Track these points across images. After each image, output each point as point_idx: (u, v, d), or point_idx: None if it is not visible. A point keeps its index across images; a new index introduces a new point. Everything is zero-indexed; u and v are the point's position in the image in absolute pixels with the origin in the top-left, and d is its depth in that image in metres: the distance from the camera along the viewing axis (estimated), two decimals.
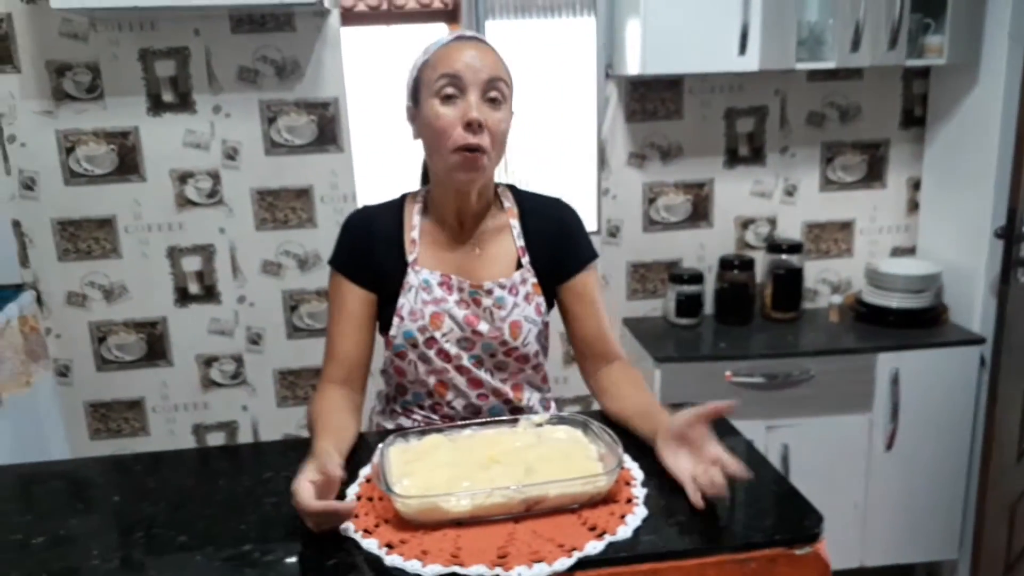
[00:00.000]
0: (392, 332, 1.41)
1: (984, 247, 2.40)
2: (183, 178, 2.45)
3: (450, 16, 2.62)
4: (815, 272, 2.76)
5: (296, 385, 2.64)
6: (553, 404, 1.56)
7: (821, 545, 1.02)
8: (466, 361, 1.41)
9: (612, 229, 2.66)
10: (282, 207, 2.50)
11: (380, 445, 1.15)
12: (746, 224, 2.71)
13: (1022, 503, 2.44)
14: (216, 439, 2.65)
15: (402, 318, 1.39)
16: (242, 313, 2.57)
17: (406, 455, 1.16)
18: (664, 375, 2.35)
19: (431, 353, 1.40)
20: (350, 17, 2.55)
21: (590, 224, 2.67)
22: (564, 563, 0.96)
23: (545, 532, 1.02)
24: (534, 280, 1.43)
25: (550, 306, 1.47)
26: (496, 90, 1.32)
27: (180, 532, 1.08)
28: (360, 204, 2.51)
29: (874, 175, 2.71)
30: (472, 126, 1.30)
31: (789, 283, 2.59)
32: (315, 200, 2.51)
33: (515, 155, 2.63)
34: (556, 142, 2.67)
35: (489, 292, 1.40)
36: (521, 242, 1.44)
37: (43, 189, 2.41)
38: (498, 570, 0.95)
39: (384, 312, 1.43)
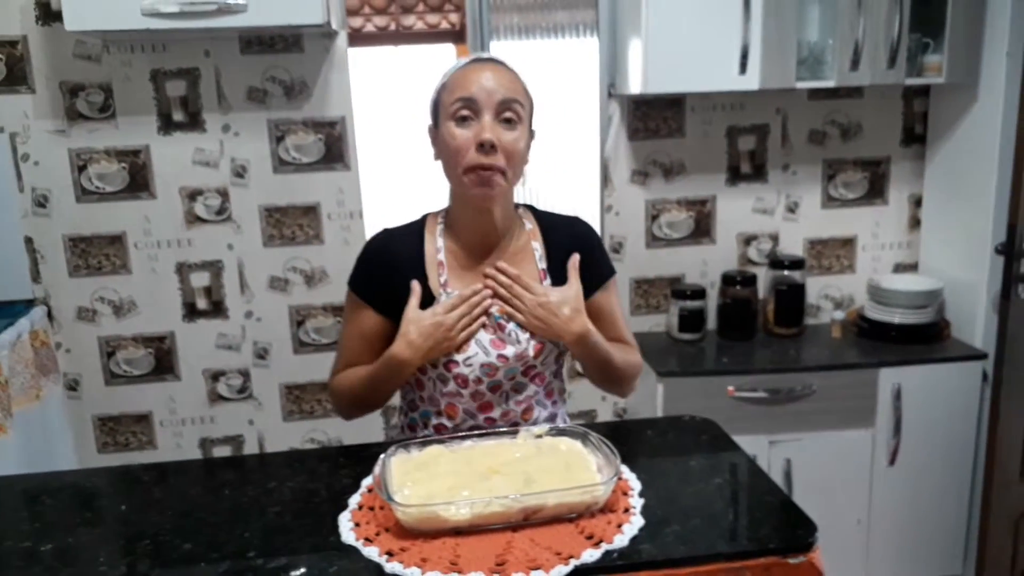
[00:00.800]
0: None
1: (985, 263, 2.41)
2: (192, 195, 2.49)
3: (457, 37, 2.66)
4: (817, 288, 2.77)
5: (302, 399, 2.66)
6: (562, 418, 1.56)
7: (815, 554, 1.04)
8: (484, 388, 1.42)
9: (615, 245, 2.69)
10: (289, 224, 2.54)
11: (382, 455, 1.18)
12: (748, 240, 2.73)
13: None
14: (222, 453, 2.67)
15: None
16: (249, 328, 2.60)
17: (407, 465, 1.18)
18: (667, 390, 2.37)
19: (449, 375, 1.41)
20: (359, 38, 2.59)
21: None
22: (561, 571, 0.98)
23: (543, 541, 1.04)
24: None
25: None
26: (511, 111, 1.35)
27: (185, 541, 1.10)
28: (367, 221, 2.55)
29: (875, 192, 2.73)
30: (484, 147, 1.32)
31: (791, 299, 2.61)
32: (322, 217, 2.55)
33: (532, 173, 2.66)
34: (560, 160, 2.70)
35: (512, 317, 1.42)
36: (543, 264, 1.46)
37: (55, 206, 2.45)
38: None
39: None
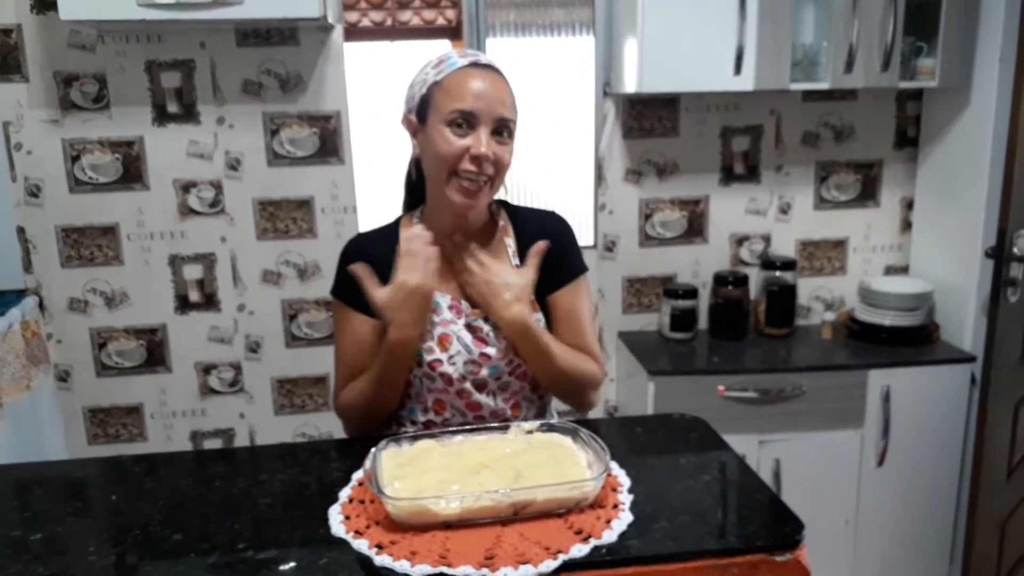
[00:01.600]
0: None
1: (975, 267, 2.43)
2: (186, 187, 2.49)
3: (453, 33, 2.66)
4: (809, 289, 2.79)
5: (294, 393, 2.66)
6: (551, 412, 1.57)
7: (802, 552, 1.05)
8: (468, 385, 1.42)
9: (608, 244, 2.69)
10: (283, 217, 2.54)
11: (373, 449, 1.18)
12: (741, 241, 2.74)
13: (1012, 520, 2.45)
14: (213, 446, 2.66)
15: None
16: (241, 321, 2.60)
17: (398, 459, 1.19)
18: (657, 388, 2.37)
19: (434, 374, 1.42)
20: (355, 32, 2.59)
21: (587, 239, 2.71)
22: (549, 565, 0.98)
23: (532, 535, 1.04)
24: (531, 298, 1.44)
25: (548, 323, 1.49)
26: (506, 127, 1.36)
27: (175, 531, 1.10)
28: (360, 215, 2.55)
29: (868, 194, 2.75)
30: (479, 160, 1.33)
31: (783, 300, 2.62)
32: (316, 211, 2.54)
33: (513, 171, 2.66)
34: (554, 158, 2.71)
35: (487, 317, 1.42)
36: (516, 261, 1.47)
37: (48, 196, 2.44)
38: (485, 571, 0.97)
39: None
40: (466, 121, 1.34)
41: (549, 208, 1.57)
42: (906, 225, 2.78)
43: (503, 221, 1.51)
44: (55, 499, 1.24)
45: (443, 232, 1.44)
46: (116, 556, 1.06)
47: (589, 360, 1.48)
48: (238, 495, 1.21)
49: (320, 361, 2.62)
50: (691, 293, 2.62)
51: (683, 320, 2.62)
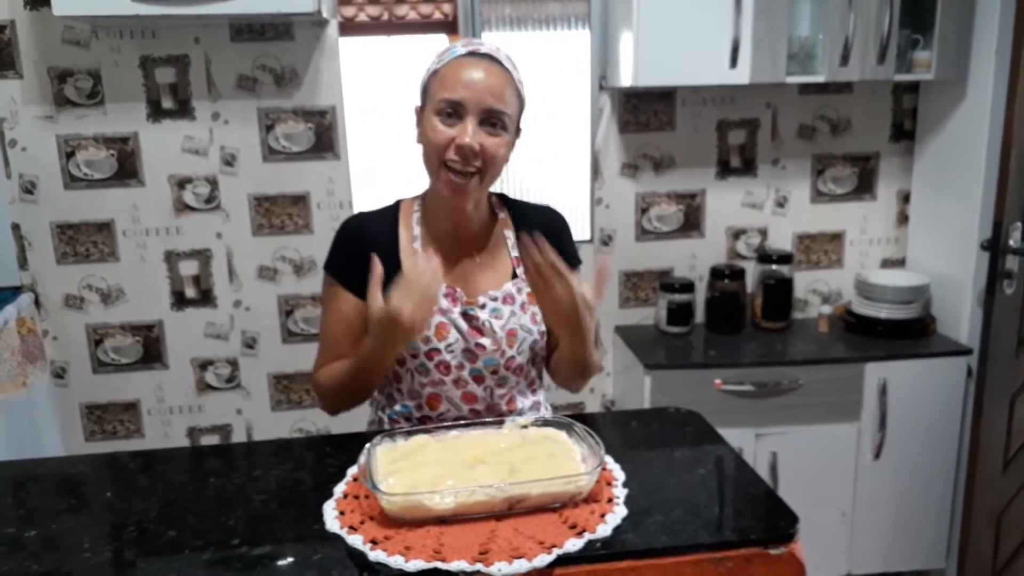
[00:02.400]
0: None
1: (971, 259, 2.43)
2: (181, 183, 2.48)
3: (449, 27, 2.65)
4: (805, 282, 2.79)
5: (290, 389, 2.66)
6: (544, 407, 1.57)
7: (796, 545, 1.05)
8: (466, 374, 1.42)
9: (605, 238, 2.69)
10: (279, 213, 2.54)
11: (367, 445, 1.18)
12: (737, 234, 2.74)
13: (1008, 512, 2.46)
14: (210, 442, 2.67)
15: None
16: (238, 317, 2.59)
17: (392, 454, 1.19)
18: (654, 382, 2.38)
19: (430, 364, 1.41)
20: (351, 27, 2.58)
21: (583, 233, 2.71)
22: (544, 559, 0.98)
23: (526, 530, 1.04)
24: (528, 290, 1.44)
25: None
26: (495, 119, 1.34)
27: (170, 528, 1.10)
28: (356, 211, 2.54)
29: (864, 187, 2.75)
30: (463, 151, 1.32)
31: (779, 293, 2.62)
32: (311, 207, 2.54)
33: (512, 165, 2.66)
34: (551, 152, 2.70)
35: (483, 306, 1.42)
36: (516, 252, 1.47)
37: (43, 193, 2.44)
38: (479, 566, 0.97)
39: None
40: (454, 111, 1.33)
41: (545, 203, 1.57)
42: (902, 218, 2.78)
43: (503, 213, 1.51)
44: (50, 496, 1.23)
45: (441, 221, 1.44)
46: (111, 553, 1.06)
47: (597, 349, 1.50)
48: (233, 491, 1.21)
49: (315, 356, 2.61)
50: (688, 287, 2.62)
51: (680, 314, 2.62)
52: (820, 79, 2.37)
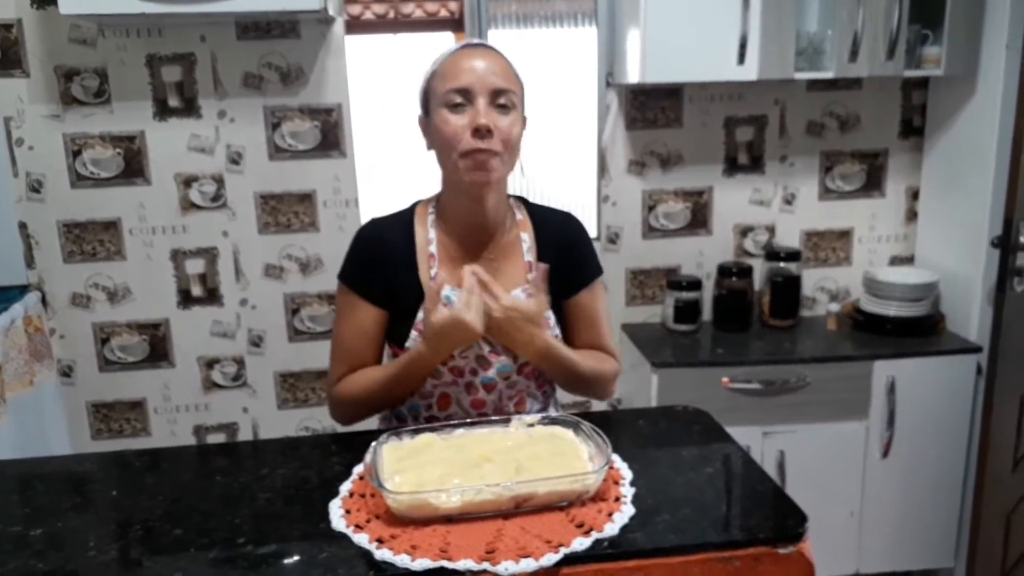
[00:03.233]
0: (408, 344, 1.41)
1: (981, 256, 2.41)
2: (188, 182, 2.48)
3: (455, 25, 2.64)
4: (813, 280, 2.77)
5: (296, 388, 2.66)
6: (553, 408, 1.55)
7: (805, 545, 1.04)
8: (477, 381, 1.42)
9: (612, 236, 2.68)
10: (285, 211, 2.53)
11: (373, 443, 1.17)
12: (745, 232, 2.73)
13: (1018, 511, 2.44)
14: (217, 441, 2.67)
15: (420, 332, 1.39)
16: (244, 316, 2.59)
17: (398, 453, 1.18)
18: (661, 380, 2.37)
19: (443, 368, 1.40)
20: (357, 25, 2.58)
21: (590, 231, 2.69)
22: (551, 558, 0.98)
23: (533, 528, 1.04)
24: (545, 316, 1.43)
25: (557, 318, 1.48)
26: (504, 97, 1.34)
27: (176, 526, 1.10)
28: (362, 209, 2.55)
29: (873, 184, 2.73)
30: (480, 131, 1.31)
31: (787, 291, 2.61)
32: (318, 205, 2.54)
33: (529, 163, 2.66)
34: (557, 149, 2.69)
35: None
36: (530, 257, 1.45)
37: (50, 191, 2.44)
38: (486, 565, 0.97)
39: (397, 326, 1.43)
40: (463, 97, 1.33)
41: (565, 209, 1.56)
42: (911, 215, 2.76)
43: (521, 215, 1.49)
44: (55, 494, 1.23)
45: (457, 223, 1.44)
46: (116, 552, 1.06)
47: (608, 359, 1.51)
48: (239, 490, 1.21)
49: (323, 355, 2.58)
50: (695, 285, 2.61)
51: (687, 312, 2.60)
52: (828, 75, 2.35)
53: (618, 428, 1.38)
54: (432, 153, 1.42)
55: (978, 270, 2.43)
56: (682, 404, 1.47)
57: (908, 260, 2.79)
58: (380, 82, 2.66)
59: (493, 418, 1.32)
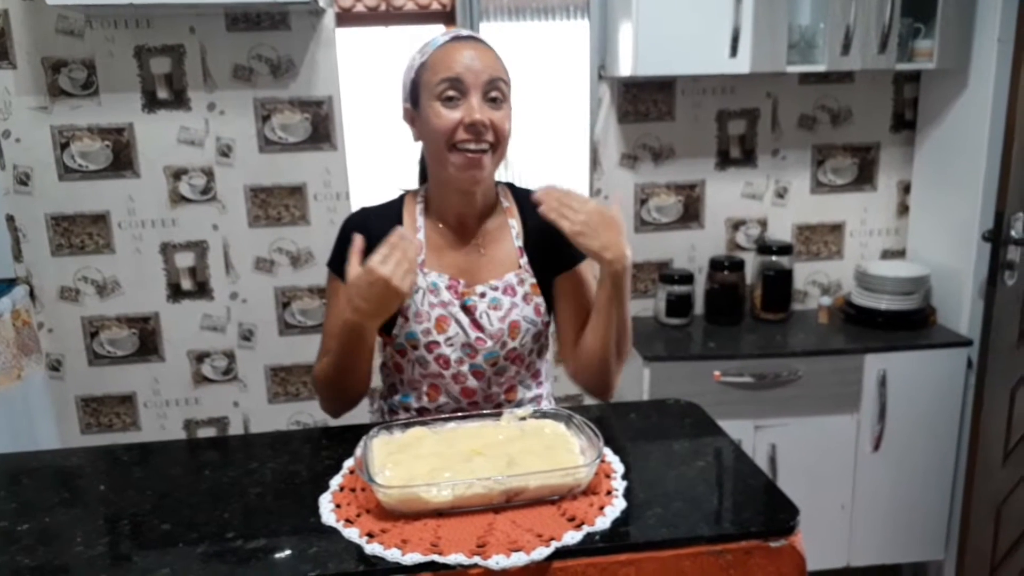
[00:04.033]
0: (395, 331, 1.41)
1: (972, 250, 2.42)
2: (177, 175, 2.47)
3: (447, 17, 2.63)
4: (805, 274, 2.78)
5: (287, 381, 2.65)
6: (547, 398, 1.55)
7: (796, 538, 1.04)
8: (465, 369, 1.41)
9: None
10: (275, 204, 2.52)
11: (364, 437, 1.17)
12: (737, 225, 2.73)
13: (1008, 504, 2.45)
14: (207, 435, 2.66)
15: (407, 319, 1.39)
16: (234, 309, 2.58)
17: (389, 447, 1.18)
18: (653, 374, 2.37)
19: (430, 357, 1.40)
20: (349, 17, 2.56)
21: None
22: (542, 552, 0.97)
23: (524, 522, 1.03)
24: (532, 280, 1.43)
25: (550, 307, 1.47)
26: (497, 90, 1.33)
27: (164, 521, 1.09)
28: (353, 202, 2.53)
29: (864, 178, 2.73)
30: (475, 127, 1.31)
31: (779, 284, 2.61)
32: (308, 198, 2.52)
33: (514, 153, 2.65)
34: (549, 143, 2.68)
35: (482, 295, 1.41)
36: (519, 242, 1.45)
37: (37, 184, 2.42)
38: (476, 559, 0.96)
39: None
40: (456, 90, 1.31)
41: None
42: (903, 209, 2.76)
43: (508, 202, 1.49)
44: (43, 489, 1.22)
45: (446, 213, 1.43)
46: (105, 546, 1.05)
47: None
48: (228, 484, 1.20)
49: (314, 349, 2.58)
50: (687, 278, 2.61)
51: (679, 305, 2.60)
52: (821, 68, 2.34)
53: (609, 421, 1.38)
54: (420, 144, 1.41)
55: (969, 264, 2.43)
56: (674, 398, 1.47)
57: (899, 254, 2.79)
58: (371, 75, 2.65)
59: (484, 412, 1.32)
